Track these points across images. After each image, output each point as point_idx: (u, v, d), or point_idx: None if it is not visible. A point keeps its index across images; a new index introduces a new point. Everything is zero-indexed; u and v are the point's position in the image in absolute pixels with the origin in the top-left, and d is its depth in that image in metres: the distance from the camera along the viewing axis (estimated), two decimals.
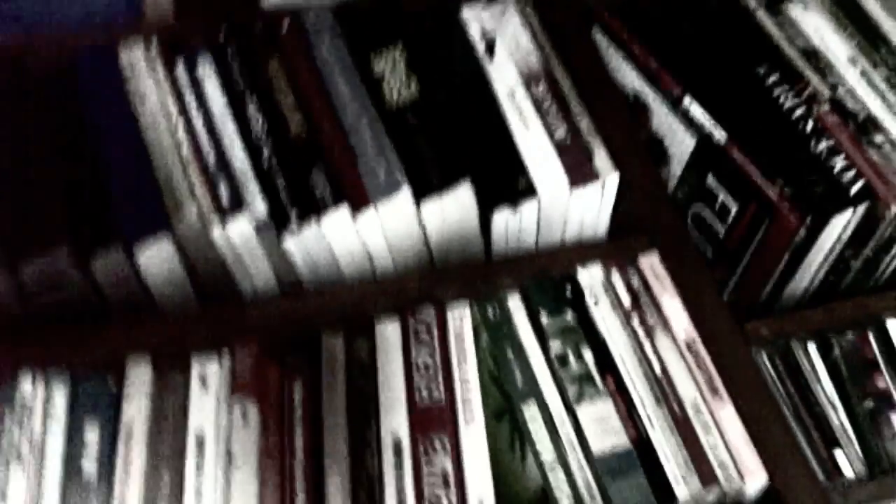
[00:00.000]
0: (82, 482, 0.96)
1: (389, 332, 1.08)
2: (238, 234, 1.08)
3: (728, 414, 1.06)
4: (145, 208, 1.08)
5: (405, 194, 1.10)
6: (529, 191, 1.14)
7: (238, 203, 1.09)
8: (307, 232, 1.08)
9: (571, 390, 1.06)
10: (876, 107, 1.33)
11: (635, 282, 1.14)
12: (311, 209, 1.09)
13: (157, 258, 1.07)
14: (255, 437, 0.99)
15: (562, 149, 1.18)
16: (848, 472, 1.19)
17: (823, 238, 1.25)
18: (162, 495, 0.96)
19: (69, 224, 1.06)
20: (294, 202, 1.09)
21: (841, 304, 1.32)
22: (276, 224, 1.09)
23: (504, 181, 1.15)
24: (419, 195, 1.11)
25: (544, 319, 1.10)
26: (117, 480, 0.96)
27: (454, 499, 0.98)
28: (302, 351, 1.07)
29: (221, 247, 1.09)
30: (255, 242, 1.09)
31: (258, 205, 1.09)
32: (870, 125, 1.32)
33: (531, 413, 1.04)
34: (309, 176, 1.11)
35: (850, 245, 1.31)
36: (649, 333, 1.11)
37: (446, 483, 0.99)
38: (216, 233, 1.07)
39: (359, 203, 1.09)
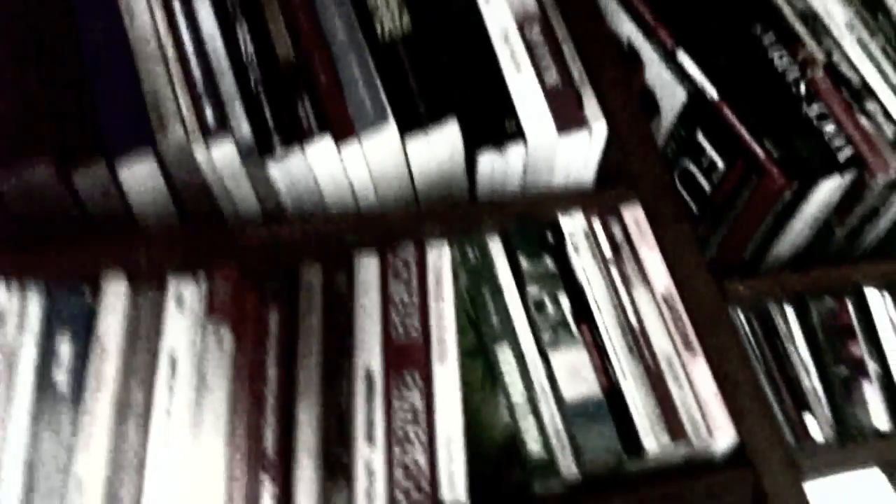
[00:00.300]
0: (54, 394, 0.98)
1: (368, 267, 1.10)
2: (222, 157, 1.09)
3: (701, 370, 1.09)
4: (131, 123, 1.09)
5: (391, 128, 1.11)
6: (517, 134, 1.16)
7: (223, 125, 1.10)
8: (291, 160, 1.10)
9: (546, 336, 1.08)
10: (871, 75, 1.35)
11: (617, 232, 1.16)
12: (297, 137, 1.10)
13: (139, 175, 1.08)
14: (229, 362, 1.01)
15: (552, 94, 1.19)
16: (817, 436, 1.21)
17: (809, 202, 1.28)
18: (132, 412, 0.98)
19: (53, 135, 1.07)
20: (279, 129, 1.11)
21: (821, 270, 1.34)
22: (261, 150, 1.10)
23: (492, 123, 1.16)
24: (405, 130, 1.12)
25: (524, 264, 1.12)
26: (88, 394, 0.98)
27: (423, 435, 1.00)
28: (281, 281, 1.08)
29: (205, 169, 1.10)
30: (239, 167, 1.10)
31: (243, 128, 1.10)
32: (863, 93, 1.34)
33: (505, 356, 1.06)
34: (296, 103, 1.12)
35: (836, 212, 1.33)
36: (627, 284, 1.13)
37: (416, 419, 1.01)
38: (200, 154, 1.08)
39: (344, 134, 1.11)
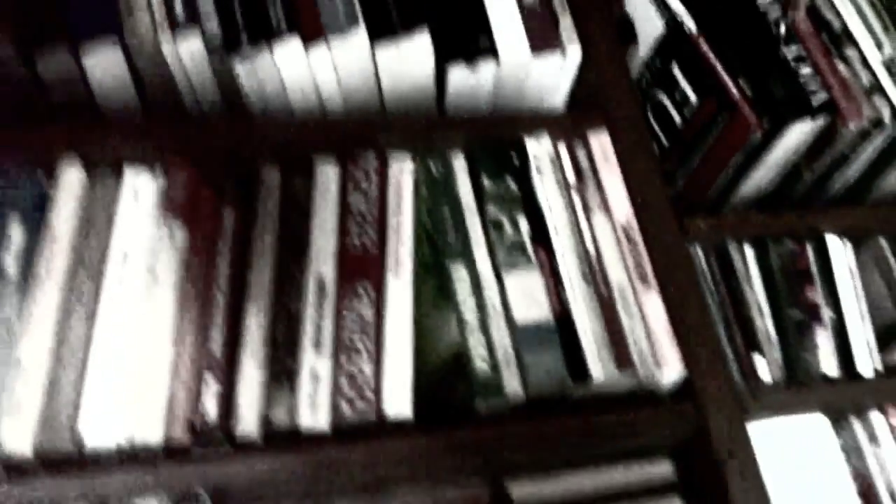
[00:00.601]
0: (1, 277, 0.99)
1: (329, 175, 1.11)
2: (188, 52, 1.09)
3: (654, 303, 1.11)
4: (98, 10, 1.08)
5: (361, 34, 1.11)
6: (489, 51, 1.16)
7: (192, 19, 1.09)
8: (259, 59, 1.10)
9: (502, 257, 1.09)
10: (852, 21, 1.36)
11: (582, 158, 1.17)
12: (265, 36, 1.10)
13: (104, 63, 1.08)
14: (180, 259, 1.02)
15: (529, 13, 1.19)
16: (765, 377, 1.23)
17: (779, 144, 1.29)
18: (80, 302, 0.99)
19: (17, 13, 1.06)
20: (249, 27, 1.10)
21: (785, 213, 1.35)
22: (228, 47, 1.10)
23: (465, 37, 1.17)
24: (376, 38, 1.12)
25: (486, 183, 1.13)
26: (37, 281, 0.99)
27: (371, 346, 1.02)
28: (239, 182, 1.09)
29: (171, 62, 1.10)
30: (205, 62, 1.10)
31: (212, 24, 1.10)
32: (843, 38, 1.35)
33: (459, 273, 1.08)
34: (266, 3, 1.12)
35: (805, 156, 1.34)
36: (588, 212, 1.14)
37: (365, 330, 1.02)
38: (167, 47, 1.08)
39: (313, 36, 1.11)
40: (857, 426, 1.26)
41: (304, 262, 1.06)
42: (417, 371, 1.02)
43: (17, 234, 1.01)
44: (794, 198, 1.42)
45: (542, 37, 1.18)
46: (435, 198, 1.12)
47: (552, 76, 1.21)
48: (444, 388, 1.04)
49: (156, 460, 0.94)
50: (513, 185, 1.14)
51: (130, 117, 1.15)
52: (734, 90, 1.26)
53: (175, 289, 1.01)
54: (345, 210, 1.09)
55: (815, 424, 1.23)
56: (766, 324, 1.27)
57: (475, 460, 1.05)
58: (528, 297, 1.07)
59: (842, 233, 1.36)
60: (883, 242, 1.38)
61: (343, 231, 1.08)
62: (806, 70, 1.30)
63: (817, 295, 1.31)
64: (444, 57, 1.15)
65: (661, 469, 1.13)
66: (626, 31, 1.41)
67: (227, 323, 1.00)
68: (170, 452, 0.95)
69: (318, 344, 1.01)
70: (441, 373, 1.04)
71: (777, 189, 1.39)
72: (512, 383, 1.03)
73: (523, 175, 1.15)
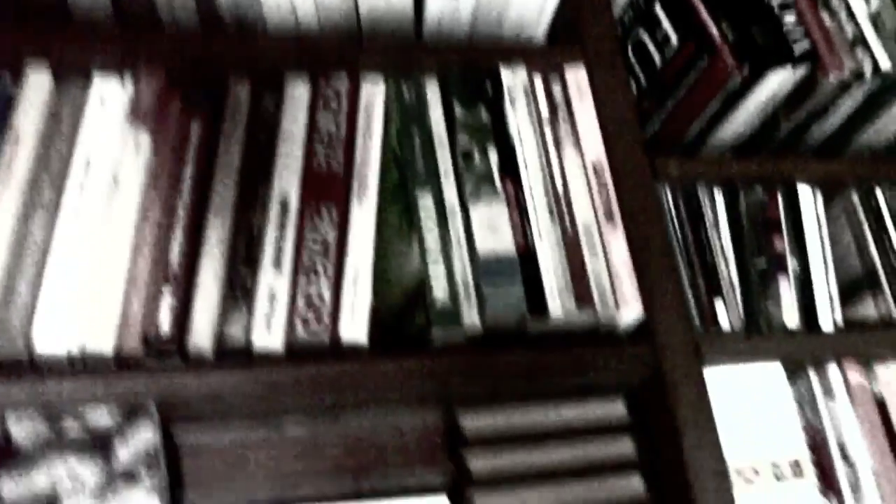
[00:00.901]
0: None
1: (299, 93, 1.11)
2: None
3: (618, 242, 1.12)
4: None
5: None
6: None
7: None
8: None
9: (469, 187, 1.10)
10: None
11: (557, 92, 1.17)
12: None
13: None
14: (144, 168, 1.02)
15: None
16: (724, 324, 1.24)
17: (757, 91, 1.29)
18: (41, 207, 0.99)
19: None
20: None
21: (757, 160, 1.36)
22: None
23: None
24: None
25: (458, 111, 1.13)
26: None
27: (331, 269, 1.02)
28: (208, 94, 1.09)
29: None
30: None
31: None
32: None
33: (425, 201, 1.08)
34: None
35: (783, 105, 1.34)
36: (559, 147, 1.14)
37: (326, 252, 1.03)
38: None
39: None
40: (813, 379, 1.27)
41: (268, 180, 1.06)
42: (376, 297, 1.03)
43: None
44: (771, 147, 1.42)
45: None
46: (405, 123, 1.12)
47: (532, 7, 1.21)
48: (402, 316, 1.05)
49: (107, 370, 0.95)
50: (485, 115, 1.14)
51: (101, 22, 1.14)
52: (716, 33, 1.26)
53: (137, 199, 1.01)
54: (313, 129, 1.09)
55: (770, 374, 1.24)
56: (729, 271, 1.27)
57: (429, 389, 1.06)
58: (492, 229, 1.08)
59: (814, 184, 1.37)
60: (854, 197, 1.38)
61: (310, 151, 1.08)
62: (790, 18, 1.29)
63: (784, 245, 1.31)
64: None
65: (615, 409, 1.14)
66: None
67: (188, 236, 1.01)
68: (121, 363, 0.96)
69: (277, 263, 1.01)
70: (400, 300, 1.05)
71: (754, 138, 1.40)
72: (470, 314, 1.04)
73: (496, 105, 1.15)
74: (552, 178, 1.13)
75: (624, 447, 1.13)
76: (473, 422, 1.08)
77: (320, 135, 1.09)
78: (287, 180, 1.05)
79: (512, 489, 1.07)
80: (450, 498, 1.04)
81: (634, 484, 1.11)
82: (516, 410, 1.10)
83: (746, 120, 1.35)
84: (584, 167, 1.14)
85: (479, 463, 1.06)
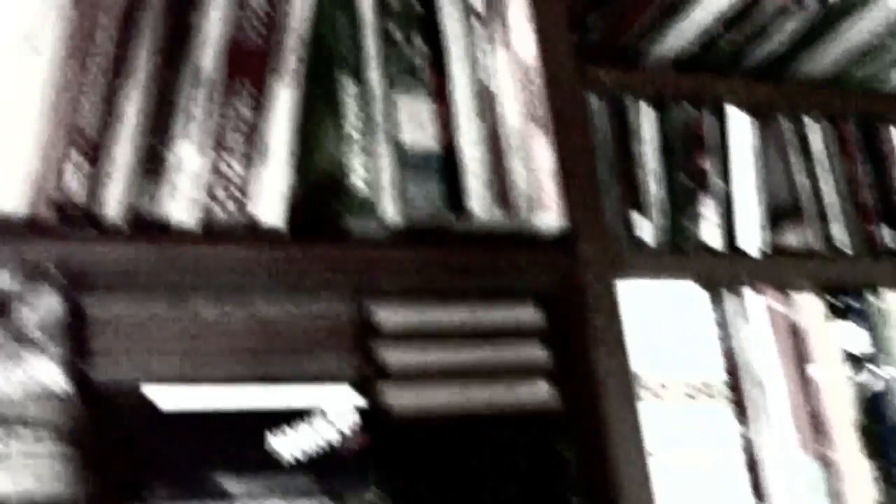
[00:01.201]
0: None
1: None
2: None
3: (543, 147, 1.12)
4: None
5: None
6: None
7: None
8: None
9: (396, 77, 1.09)
10: None
11: None
12: None
13: None
14: (60, 29, 1.00)
15: None
16: (644, 238, 1.25)
17: (698, 4, 1.29)
18: None
19: None
20: None
21: (690, 77, 1.36)
22: None
23: None
24: None
25: None
26: None
27: (248, 148, 1.02)
28: None
29: None
30: None
31: None
32: None
33: (350, 86, 1.08)
34: None
35: (724, 24, 1.35)
36: (491, 45, 1.14)
37: (245, 130, 1.02)
38: None
39: None
40: (730, 301, 1.28)
41: (188, 51, 1.04)
42: (295, 182, 1.03)
43: None
44: (710, 67, 1.42)
45: None
46: (334, 3, 1.11)
47: None
48: (322, 204, 1.05)
49: (15, 234, 0.95)
50: (417, 4, 1.13)
51: None
52: None
53: (51, 60, 0.99)
54: (239, 3, 1.07)
55: (688, 292, 1.25)
56: (653, 185, 1.28)
57: (343, 280, 1.07)
58: (416, 122, 1.08)
59: (747, 107, 1.38)
60: (785, 124, 1.40)
61: (234, 24, 1.06)
62: None
63: (710, 164, 1.32)
64: None
65: (529, 314, 1.15)
66: None
67: (104, 103, 0.99)
68: (31, 228, 0.95)
69: (195, 138, 1.01)
70: (319, 187, 1.05)
71: (692, 56, 1.40)
72: (388, 207, 1.04)
73: None
74: (481, 76, 1.12)
75: (535, 353, 1.14)
76: (387, 316, 1.08)
77: (244, 8, 1.06)
78: (209, 54, 1.04)
79: (420, 385, 1.08)
80: (355, 390, 1.05)
81: (542, 390, 1.12)
82: (431, 308, 1.11)
83: (685, 35, 1.36)
84: (515, 68, 1.14)
85: (388, 357, 1.07)
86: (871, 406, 1.30)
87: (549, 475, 1.12)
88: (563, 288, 1.14)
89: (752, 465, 1.22)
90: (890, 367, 1.33)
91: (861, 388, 1.31)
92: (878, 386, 1.31)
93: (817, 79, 1.48)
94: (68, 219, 0.95)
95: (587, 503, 1.11)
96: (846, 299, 1.35)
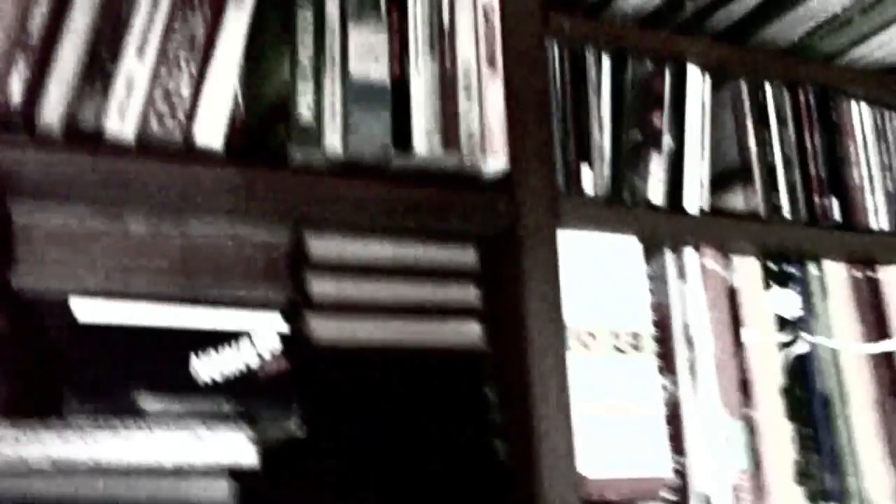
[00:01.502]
0: None
1: None
2: None
3: (495, 89, 1.12)
4: None
5: None
6: None
7: None
8: None
9: (352, 6, 1.08)
10: None
11: None
12: None
13: None
14: None
15: None
16: (588, 189, 1.25)
17: None
18: None
19: None
20: None
21: (651, 33, 1.36)
22: None
23: None
24: None
25: None
26: None
27: (195, 67, 1.01)
28: None
29: None
30: None
31: None
32: None
33: (304, 13, 1.06)
34: None
35: None
36: None
37: (193, 48, 1.01)
38: None
39: None
40: (669, 258, 1.29)
41: None
42: (243, 107, 1.02)
43: None
44: (673, 26, 1.42)
45: None
46: None
47: None
48: (266, 129, 1.04)
49: None
50: None
51: None
52: None
53: None
54: None
55: (625, 246, 1.26)
56: (602, 137, 1.28)
57: (280, 207, 1.06)
58: (369, 53, 1.07)
59: (708, 68, 1.38)
60: (743, 87, 1.40)
61: None
62: None
63: (662, 121, 1.32)
64: None
65: (465, 255, 1.15)
66: None
67: (52, 8, 0.97)
68: None
69: (140, 52, 0.99)
70: (267, 113, 1.04)
71: (657, 13, 1.39)
72: (333, 138, 1.04)
73: None
74: (440, 12, 1.11)
75: (468, 294, 1.15)
76: (321, 246, 1.09)
77: None
78: None
79: (349, 317, 1.08)
80: (284, 318, 1.05)
81: (472, 331, 1.13)
82: (366, 242, 1.11)
83: None
84: (474, 7, 1.13)
85: (320, 287, 1.08)
86: (797, 371, 1.31)
87: (472, 415, 1.13)
88: (503, 232, 1.14)
89: (674, 420, 1.23)
90: (820, 336, 1.34)
91: (788, 352, 1.32)
92: (804, 349, 1.33)
93: (780, 46, 1.48)
94: (3, 121, 0.94)
95: (508, 446, 1.12)
96: (787, 267, 1.36)
